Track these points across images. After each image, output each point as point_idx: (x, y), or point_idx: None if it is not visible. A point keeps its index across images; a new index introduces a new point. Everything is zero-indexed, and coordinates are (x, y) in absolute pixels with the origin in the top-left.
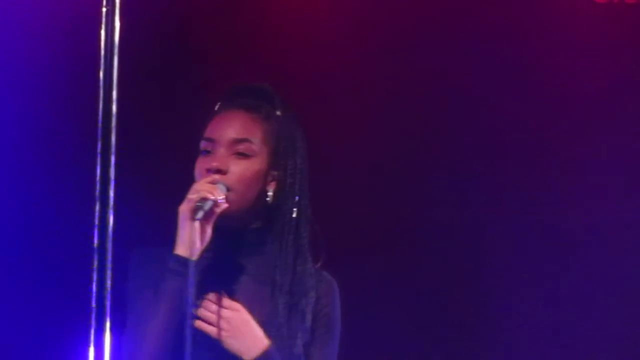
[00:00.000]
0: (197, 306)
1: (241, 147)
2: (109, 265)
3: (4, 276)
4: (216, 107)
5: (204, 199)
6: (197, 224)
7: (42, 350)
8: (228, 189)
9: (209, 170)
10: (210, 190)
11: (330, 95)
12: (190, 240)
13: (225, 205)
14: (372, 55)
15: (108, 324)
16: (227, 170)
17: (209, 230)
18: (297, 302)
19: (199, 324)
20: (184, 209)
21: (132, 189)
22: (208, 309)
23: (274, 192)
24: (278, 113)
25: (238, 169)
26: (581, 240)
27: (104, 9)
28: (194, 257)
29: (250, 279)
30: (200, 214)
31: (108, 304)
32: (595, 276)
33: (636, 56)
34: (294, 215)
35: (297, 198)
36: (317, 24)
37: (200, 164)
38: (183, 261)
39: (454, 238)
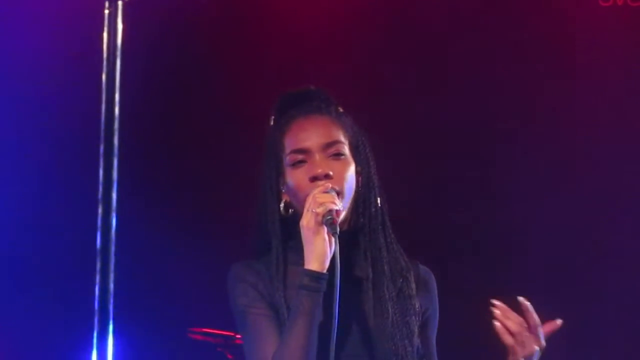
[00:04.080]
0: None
1: (334, 150)
2: (111, 268)
3: (6, 279)
4: (272, 119)
5: (331, 211)
6: (327, 236)
7: (45, 353)
8: (338, 195)
9: (316, 178)
10: (333, 200)
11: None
12: (324, 253)
13: (343, 213)
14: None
15: (111, 327)
16: (333, 175)
17: (333, 240)
18: (401, 288)
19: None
20: (310, 223)
21: (135, 191)
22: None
23: (362, 187)
24: (340, 110)
25: (339, 170)
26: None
27: (106, 12)
28: (326, 270)
29: (362, 278)
30: (337, 227)
31: (111, 307)
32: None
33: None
34: (379, 205)
35: (377, 188)
36: (322, 26)
37: (299, 176)
38: (319, 276)
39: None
